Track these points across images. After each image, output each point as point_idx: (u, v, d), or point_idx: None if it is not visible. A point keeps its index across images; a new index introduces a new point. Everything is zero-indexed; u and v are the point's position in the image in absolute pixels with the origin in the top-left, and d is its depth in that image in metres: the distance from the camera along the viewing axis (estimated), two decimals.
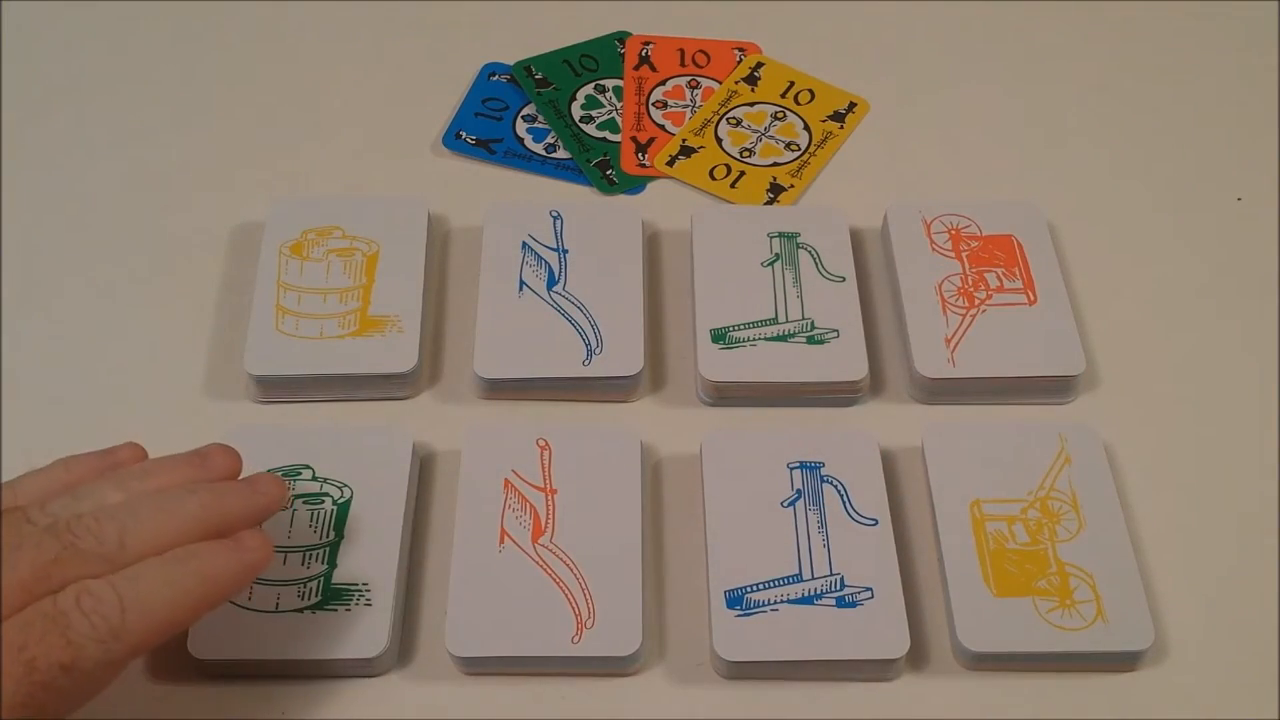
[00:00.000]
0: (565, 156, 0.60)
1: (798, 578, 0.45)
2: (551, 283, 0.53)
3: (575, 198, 0.58)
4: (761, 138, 0.60)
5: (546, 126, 0.61)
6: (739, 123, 0.61)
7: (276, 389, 0.51)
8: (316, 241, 0.54)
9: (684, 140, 0.60)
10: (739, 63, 0.64)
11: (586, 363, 0.51)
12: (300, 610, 0.44)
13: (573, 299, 0.53)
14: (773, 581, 0.45)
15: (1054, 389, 0.51)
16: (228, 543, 0.39)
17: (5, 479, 0.41)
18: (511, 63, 0.63)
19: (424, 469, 0.50)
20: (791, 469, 0.48)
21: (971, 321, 0.52)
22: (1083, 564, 0.45)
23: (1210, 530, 0.48)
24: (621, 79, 0.63)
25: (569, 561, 0.45)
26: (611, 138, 0.60)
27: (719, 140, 0.60)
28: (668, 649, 0.45)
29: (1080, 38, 0.65)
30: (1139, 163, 0.60)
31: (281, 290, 0.53)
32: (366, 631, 0.44)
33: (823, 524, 0.46)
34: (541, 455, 0.48)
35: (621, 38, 0.65)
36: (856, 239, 0.56)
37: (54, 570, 0.36)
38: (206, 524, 0.39)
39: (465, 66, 0.63)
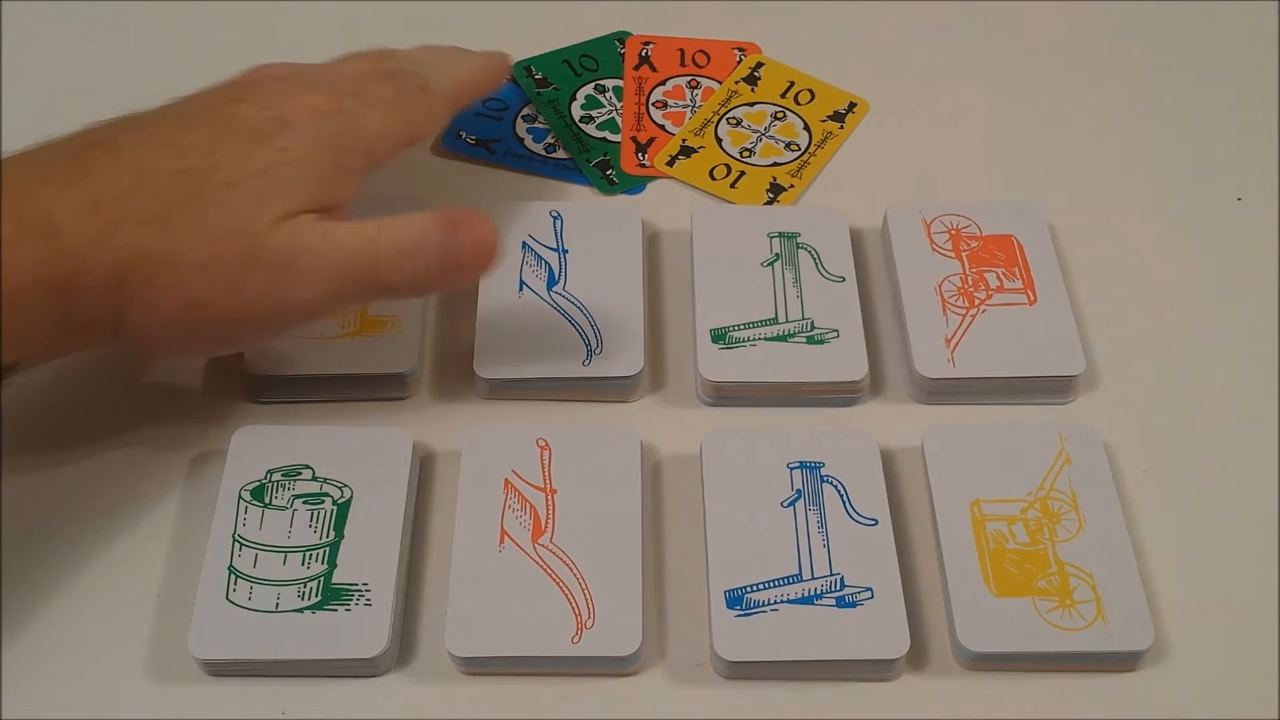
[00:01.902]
0: (565, 156, 0.60)
1: (798, 578, 0.45)
2: (551, 283, 0.53)
3: (575, 198, 0.58)
4: (761, 138, 0.60)
5: (546, 126, 0.61)
6: (739, 123, 0.61)
7: (276, 389, 0.51)
8: None
9: (684, 140, 0.60)
10: (739, 63, 0.64)
11: (586, 363, 0.51)
12: (300, 610, 0.44)
13: (573, 299, 0.53)
14: (773, 581, 0.45)
15: (1054, 389, 0.51)
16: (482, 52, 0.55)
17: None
18: (511, 63, 0.63)
19: (424, 469, 0.50)
20: (791, 469, 0.48)
21: (971, 321, 0.52)
22: (1083, 564, 0.45)
23: (1210, 530, 0.48)
24: (621, 79, 0.63)
25: (569, 561, 0.45)
26: (611, 138, 0.60)
27: (719, 140, 0.60)
28: (668, 649, 0.45)
29: (1080, 37, 0.65)
30: (1139, 163, 0.60)
31: None
32: (366, 631, 0.44)
33: (823, 524, 0.46)
34: (541, 455, 0.48)
35: (621, 38, 0.65)
36: (856, 239, 0.56)
37: (386, 57, 0.51)
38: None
39: None
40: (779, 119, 0.61)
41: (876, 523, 0.46)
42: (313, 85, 0.47)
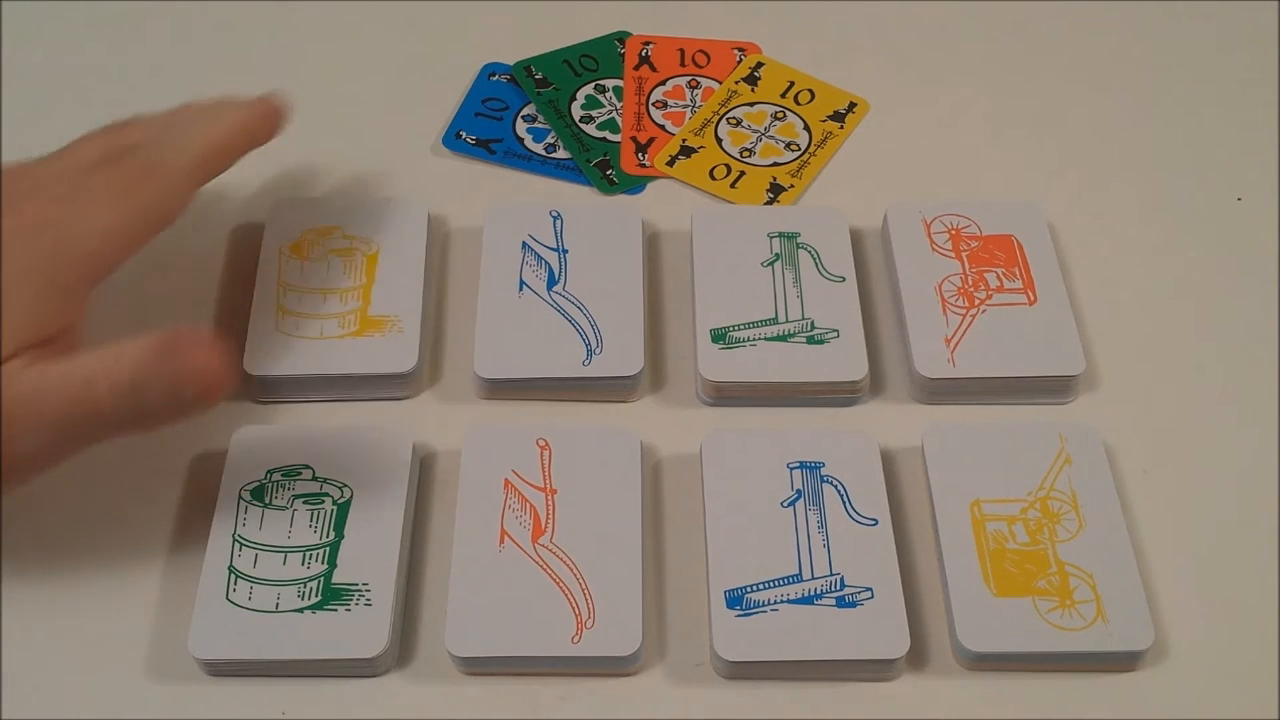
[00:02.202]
0: (565, 156, 0.60)
1: (798, 578, 0.45)
2: (551, 283, 0.53)
3: (575, 198, 0.58)
4: (761, 138, 0.60)
5: (546, 126, 0.61)
6: (739, 123, 0.61)
7: (276, 389, 0.51)
8: (316, 242, 0.54)
9: (684, 140, 0.60)
10: (739, 63, 0.64)
11: (586, 363, 0.51)
12: (300, 610, 0.44)
13: (573, 299, 0.53)
14: (773, 581, 0.45)
15: (1054, 389, 0.51)
16: (250, 100, 0.50)
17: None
18: (511, 63, 0.63)
19: (424, 469, 0.50)
20: (791, 469, 0.48)
21: (971, 321, 0.52)
22: (1083, 564, 0.45)
23: (1210, 530, 0.48)
24: (621, 79, 0.63)
25: (569, 561, 0.45)
26: (611, 138, 0.60)
27: (719, 140, 0.60)
28: (668, 649, 0.45)
29: (1080, 37, 0.65)
30: (1139, 163, 0.60)
31: (282, 290, 0.53)
32: (366, 631, 0.44)
33: (823, 524, 0.46)
34: (541, 455, 0.48)
35: (621, 38, 0.65)
36: (856, 239, 0.56)
37: (121, 132, 0.47)
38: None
39: (465, 66, 0.63)
40: (779, 119, 0.61)
41: (876, 523, 0.46)
42: (19, 196, 0.43)
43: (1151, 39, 0.65)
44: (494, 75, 0.63)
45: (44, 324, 0.42)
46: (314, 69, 0.64)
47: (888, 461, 0.49)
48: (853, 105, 0.62)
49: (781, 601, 0.44)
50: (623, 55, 0.64)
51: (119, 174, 0.45)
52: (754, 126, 0.61)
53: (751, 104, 0.62)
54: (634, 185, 0.59)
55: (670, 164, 0.59)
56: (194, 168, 0.47)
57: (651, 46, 0.64)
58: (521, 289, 0.53)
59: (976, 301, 0.53)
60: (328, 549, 0.46)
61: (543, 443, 0.48)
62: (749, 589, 0.45)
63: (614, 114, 0.61)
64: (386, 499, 0.47)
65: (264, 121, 0.50)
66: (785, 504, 0.47)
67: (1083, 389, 0.52)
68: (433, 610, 0.46)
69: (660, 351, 0.53)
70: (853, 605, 0.44)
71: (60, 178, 0.44)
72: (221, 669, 0.44)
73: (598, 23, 0.65)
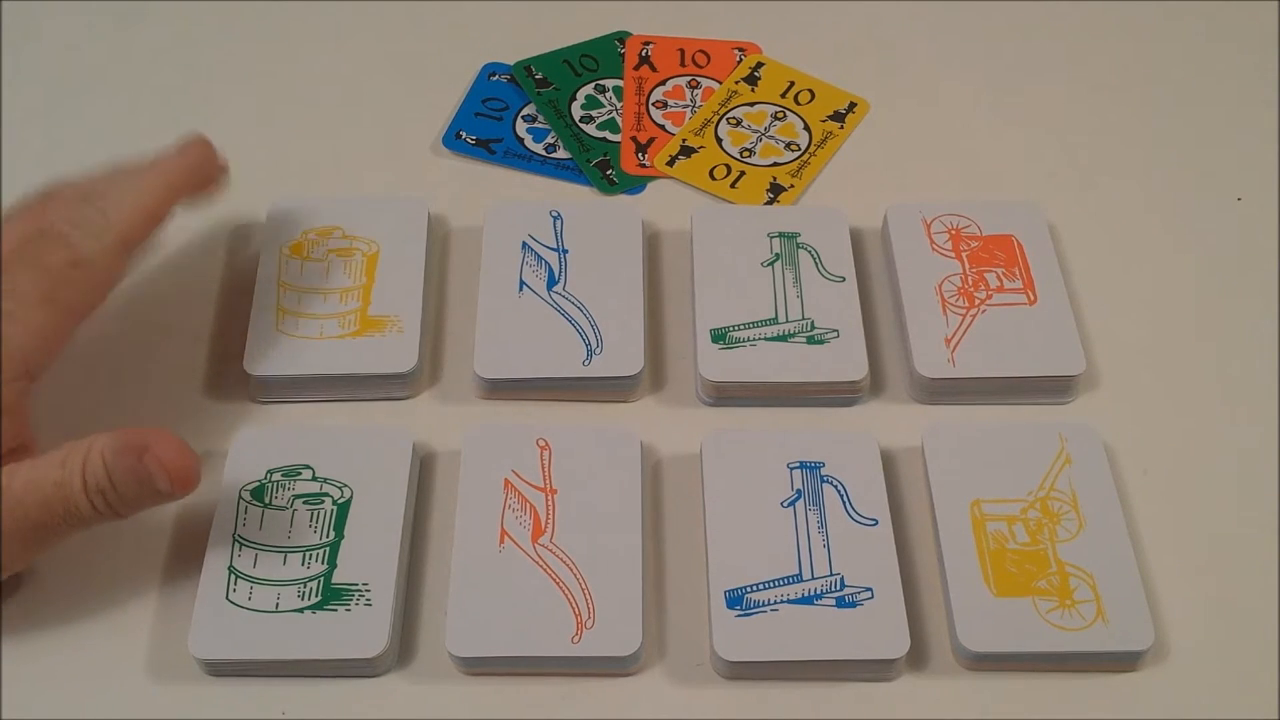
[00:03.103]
0: (565, 156, 0.60)
1: (798, 578, 0.45)
2: (551, 283, 0.53)
3: (575, 198, 0.58)
4: (761, 138, 0.60)
5: (546, 126, 0.61)
6: (739, 123, 0.61)
7: (276, 389, 0.51)
8: (317, 241, 0.54)
9: (684, 140, 0.60)
10: (739, 63, 0.64)
11: (586, 363, 0.51)
12: (300, 610, 0.44)
13: (573, 299, 0.53)
14: (773, 581, 0.45)
15: (1054, 389, 0.51)
16: (175, 151, 0.49)
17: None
18: (511, 63, 0.63)
19: (424, 469, 0.50)
20: (791, 469, 0.48)
21: (971, 321, 0.52)
22: (1083, 564, 0.45)
23: (1210, 530, 0.48)
24: (621, 79, 0.63)
25: (569, 561, 0.45)
26: (611, 138, 0.60)
27: (719, 140, 0.60)
28: (668, 649, 0.45)
29: (1080, 38, 0.65)
30: (1139, 163, 0.60)
31: (282, 290, 0.53)
32: (366, 631, 0.44)
33: (823, 524, 0.46)
34: (541, 455, 0.48)
35: (621, 38, 0.65)
36: (856, 239, 0.56)
37: (43, 214, 0.45)
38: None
39: (465, 66, 0.63)
40: (779, 119, 0.61)
41: (876, 523, 0.46)
42: None
43: (1151, 39, 0.65)
44: (494, 75, 0.63)
45: None
46: (314, 69, 0.64)
47: (888, 461, 0.49)
48: (853, 105, 0.62)
49: (781, 601, 0.44)
50: (623, 55, 0.64)
51: (44, 275, 0.44)
52: (754, 126, 0.61)
53: (751, 104, 0.62)
54: (634, 185, 0.59)
55: (670, 164, 0.59)
56: (120, 248, 0.46)
57: (651, 46, 0.64)
58: (521, 289, 0.53)
59: (976, 301, 0.53)
60: (328, 549, 0.46)
61: (543, 443, 0.48)
62: (749, 589, 0.45)
63: (614, 114, 0.61)
64: (386, 499, 0.47)
65: (192, 176, 0.49)
66: (785, 504, 0.47)
67: (1083, 389, 0.52)
68: (433, 610, 0.46)
69: (660, 351, 0.53)
70: (853, 605, 0.44)
71: None
72: (221, 669, 0.44)
73: (598, 23, 0.65)
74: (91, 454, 0.41)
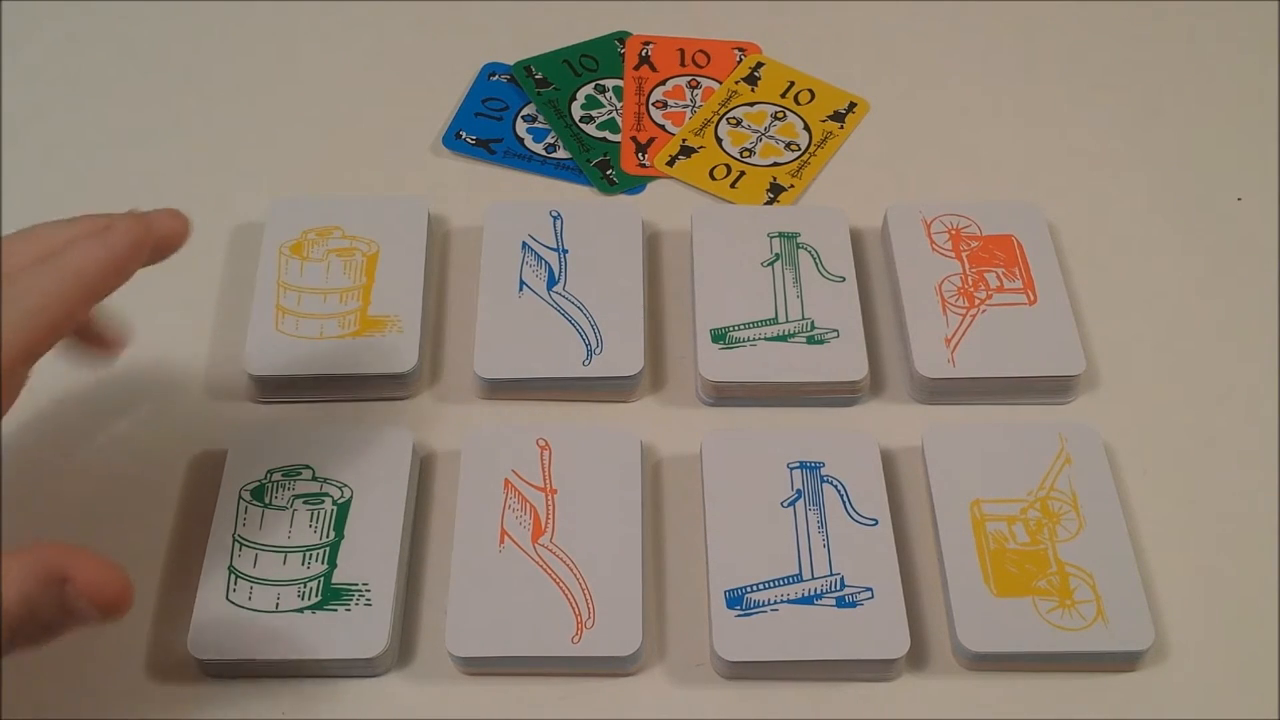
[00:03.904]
0: (565, 156, 0.60)
1: (798, 578, 0.45)
2: (551, 283, 0.53)
3: (575, 198, 0.58)
4: (761, 138, 0.60)
5: (546, 126, 0.61)
6: (739, 123, 0.61)
7: (276, 389, 0.51)
8: (316, 241, 0.54)
9: (684, 140, 0.60)
10: (739, 63, 0.64)
11: (586, 363, 0.51)
12: (300, 610, 0.44)
13: (573, 299, 0.53)
14: (773, 581, 0.45)
15: (1054, 389, 0.51)
16: (95, 236, 0.39)
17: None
18: (511, 63, 0.63)
19: (424, 469, 0.50)
20: (791, 469, 0.48)
21: (971, 321, 0.52)
22: (1083, 564, 0.45)
23: (1210, 530, 0.48)
24: (621, 79, 0.63)
25: (569, 561, 0.45)
26: (611, 138, 0.60)
27: (719, 140, 0.60)
28: (668, 649, 0.45)
29: (1080, 37, 0.65)
30: (1139, 163, 0.60)
31: (281, 290, 0.53)
32: (366, 631, 0.44)
33: (823, 524, 0.46)
34: (541, 455, 0.48)
35: (621, 38, 0.65)
36: (856, 239, 0.56)
37: None
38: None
39: (465, 66, 0.63)
40: (779, 119, 0.61)
41: (876, 523, 0.46)
42: None
43: (1151, 39, 0.65)
44: (494, 75, 0.63)
45: None
46: (314, 69, 0.64)
47: (888, 461, 0.49)
48: (853, 105, 0.62)
49: (781, 601, 0.44)
50: (623, 55, 0.64)
51: None
52: (754, 126, 0.61)
53: (751, 104, 0.62)
54: (634, 185, 0.59)
55: (670, 164, 0.59)
56: (22, 359, 0.37)
57: (651, 46, 0.64)
58: (521, 289, 0.53)
59: (976, 301, 0.53)
60: (328, 549, 0.46)
61: (543, 443, 0.48)
62: (749, 589, 0.45)
63: (614, 114, 0.61)
64: (386, 499, 0.47)
65: (135, 253, 0.40)
66: (785, 504, 0.47)
67: (1083, 389, 0.52)
68: (433, 610, 0.46)
69: (660, 351, 0.53)
70: (853, 605, 0.44)
71: None
72: (221, 669, 0.44)
73: (598, 23, 0.65)
74: (8, 581, 0.34)
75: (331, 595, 0.45)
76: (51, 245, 0.39)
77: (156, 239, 0.41)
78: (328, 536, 0.46)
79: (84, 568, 0.35)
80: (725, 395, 0.51)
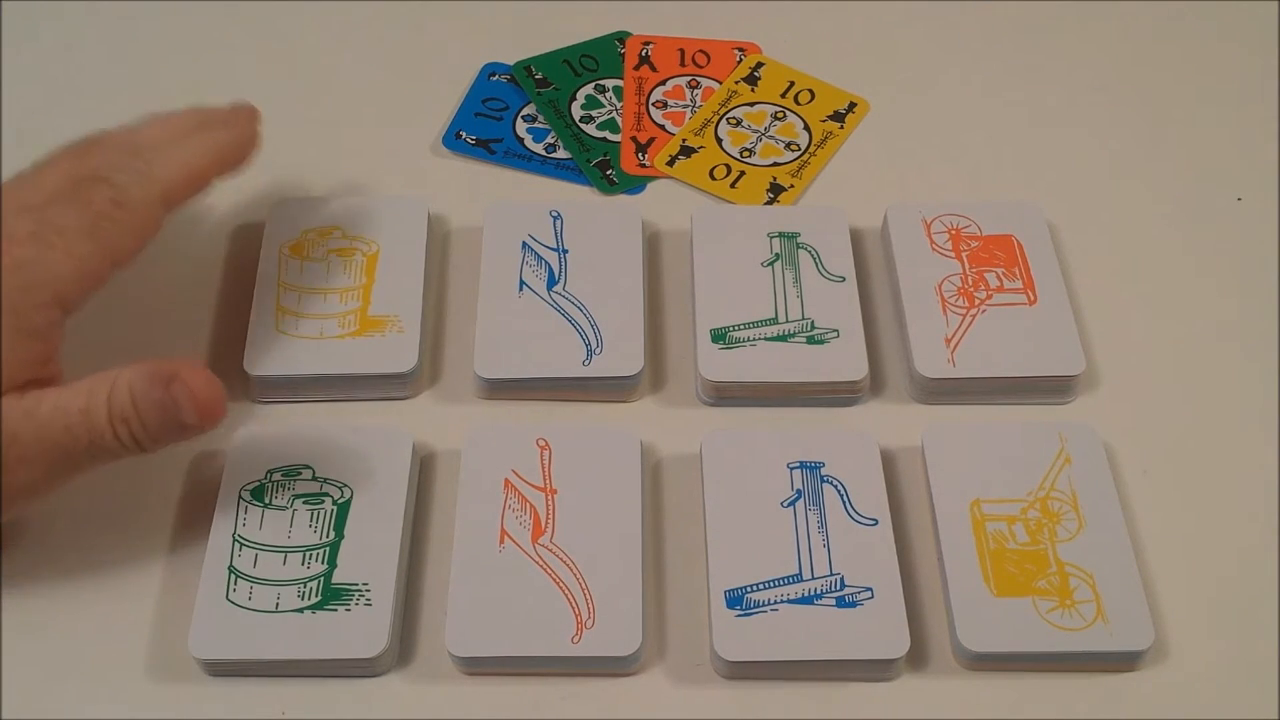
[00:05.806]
0: (565, 156, 0.60)
1: (798, 578, 0.45)
2: (551, 283, 0.53)
3: (575, 198, 0.58)
4: (761, 138, 0.60)
5: (546, 126, 0.61)
6: (739, 123, 0.61)
7: (276, 389, 0.51)
8: (316, 241, 0.54)
9: (684, 140, 0.60)
10: (739, 63, 0.64)
11: (586, 363, 0.51)
12: (300, 610, 0.44)
13: (573, 299, 0.53)
14: (773, 581, 0.45)
15: (1054, 389, 0.51)
16: (225, 119, 0.50)
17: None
18: (511, 63, 0.63)
19: (424, 469, 0.50)
20: (791, 469, 0.48)
21: (971, 321, 0.52)
22: (1083, 564, 0.45)
23: (1210, 530, 0.48)
24: (621, 79, 0.63)
25: (569, 561, 0.45)
26: (611, 138, 0.60)
27: (719, 140, 0.60)
28: (668, 649, 0.45)
29: (1080, 37, 0.65)
30: (1139, 163, 0.60)
31: (282, 290, 0.53)
32: (366, 631, 0.44)
33: (823, 524, 0.46)
34: (541, 455, 0.48)
35: (621, 38, 0.65)
36: (856, 239, 0.56)
37: (89, 158, 0.45)
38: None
39: (465, 66, 0.63)
40: (779, 119, 0.61)
41: (876, 523, 0.46)
42: None
43: (1151, 39, 0.65)
44: (494, 75, 0.63)
45: (20, 370, 0.42)
46: (314, 69, 0.64)
47: (888, 461, 0.49)
48: (853, 105, 0.62)
49: (781, 601, 0.44)
50: (623, 55, 0.64)
51: (86, 210, 0.44)
52: (754, 126, 0.61)
53: (751, 104, 0.62)
54: (634, 185, 0.59)
55: (670, 164, 0.59)
56: (163, 199, 0.46)
57: (651, 46, 0.64)
58: (521, 289, 0.53)
59: (976, 301, 0.53)
60: (328, 549, 0.46)
61: (543, 443, 0.48)
62: (749, 589, 0.45)
63: (614, 114, 0.61)
64: (386, 499, 0.47)
65: (238, 149, 0.50)
66: (785, 504, 0.47)
67: (1083, 389, 0.52)
68: (433, 610, 0.46)
69: (660, 351, 0.53)
70: (853, 605, 0.44)
71: (25, 210, 0.43)
72: (221, 669, 0.44)
73: (598, 23, 0.65)
74: (119, 383, 0.41)
75: (331, 595, 0.45)
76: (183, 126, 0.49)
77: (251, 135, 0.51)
78: (328, 536, 0.46)
79: (189, 372, 0.42)
80: (725, 395, 0.51)
